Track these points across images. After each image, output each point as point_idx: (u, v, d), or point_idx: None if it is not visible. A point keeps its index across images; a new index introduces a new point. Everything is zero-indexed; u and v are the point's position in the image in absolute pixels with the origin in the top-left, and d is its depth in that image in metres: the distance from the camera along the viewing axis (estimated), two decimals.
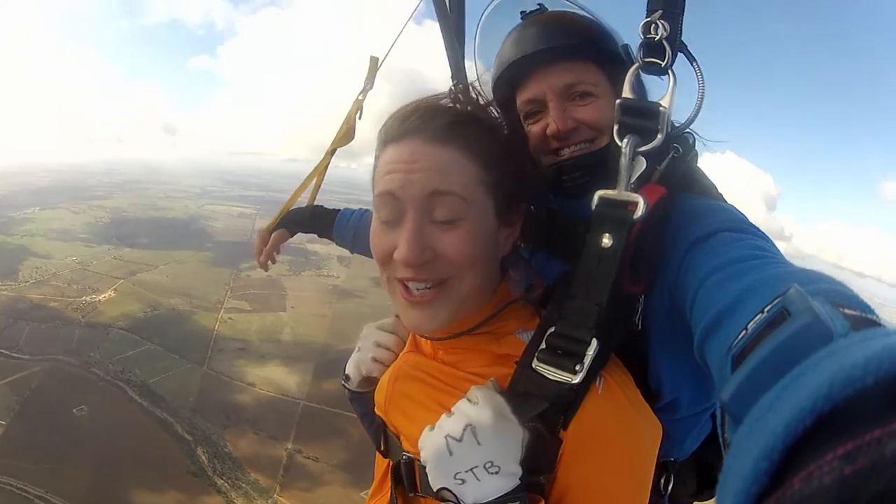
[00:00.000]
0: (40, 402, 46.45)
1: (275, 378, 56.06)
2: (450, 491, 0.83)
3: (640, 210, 0.87)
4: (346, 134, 1.79)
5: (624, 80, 0.99)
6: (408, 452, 1.02)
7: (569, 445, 0.85)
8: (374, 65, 1.77)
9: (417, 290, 0.92)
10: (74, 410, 46.42)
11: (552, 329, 0.90)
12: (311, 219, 1.83)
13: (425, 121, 0.92)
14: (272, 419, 49.06)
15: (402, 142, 0.92)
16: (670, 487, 1.22)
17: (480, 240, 0.92)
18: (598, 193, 0.92)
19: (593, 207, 0.92)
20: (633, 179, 0.93)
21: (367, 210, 1.75)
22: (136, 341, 58.60)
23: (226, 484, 40.85)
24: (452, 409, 0.89)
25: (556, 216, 1.11)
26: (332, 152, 1.83)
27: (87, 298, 69.06)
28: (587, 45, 1.12)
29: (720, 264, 0.82)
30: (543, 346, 0.90)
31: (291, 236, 1.81)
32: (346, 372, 1.24)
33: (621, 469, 0.88)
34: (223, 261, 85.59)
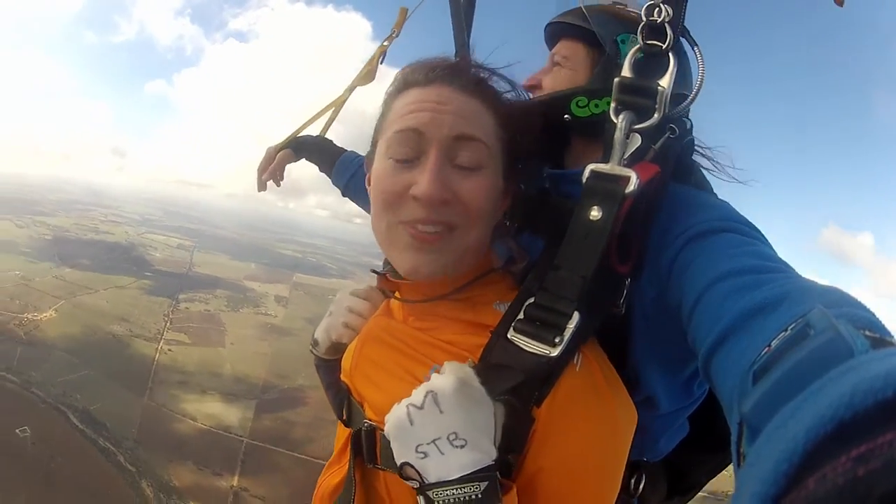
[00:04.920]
0: None
1: (216, 413, 54.82)
2: (412, 466, 0.77)
3: (632, 185, 0.84)
4: (368, 74, 1.80)
5: (603, 66, 1.04)
6: (370, 420, 0.95)
7: (542, 423, 0.80)
8: (403, 15, 1.74)
9: (426, 230, 0.88)
10: (17, 431, 42.85)
11: (531, 300, 0.87)
12: (318, 149, 1.86)
13: (454, 73, 0.93)
14: (216, 455, 47.93)
15: (429, 86, 0.91)
16: (641, 488, 1.18)
17: (493, 193, 0.91)
18: (590, 167, 0.90)
19: (584, 181, 0.89)
20: (626, 155, 0.91)
21: None
22: (76, 365, 54.57)
23: None
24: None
25: (548, 195, 1.07)
26: (351, 89, 1.85)
27: (29, 315, 62.73)
28: (580, 26, 1.15)
29: (730, 271, 0.77)
30: (521, 316, 0.86)
31: (296, 160, 1.86)
32: (315, 336, 1.21)
33: (595, 452, 0.83)
34: (161, 290, 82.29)
